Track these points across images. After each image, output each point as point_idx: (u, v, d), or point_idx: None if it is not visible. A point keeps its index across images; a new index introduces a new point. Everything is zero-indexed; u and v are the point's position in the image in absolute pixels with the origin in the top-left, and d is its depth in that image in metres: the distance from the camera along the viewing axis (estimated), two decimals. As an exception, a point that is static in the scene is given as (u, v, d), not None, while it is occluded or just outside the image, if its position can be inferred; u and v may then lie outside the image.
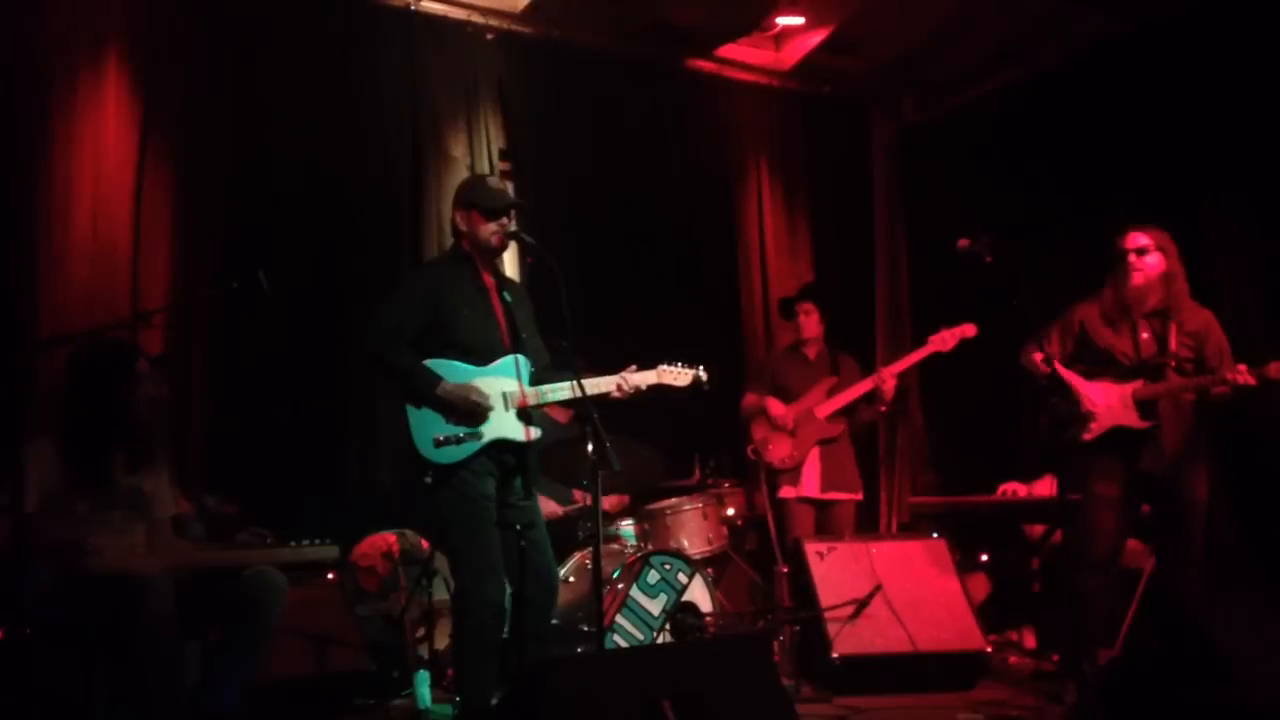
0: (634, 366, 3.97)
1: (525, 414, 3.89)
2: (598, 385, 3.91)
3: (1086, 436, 4.44)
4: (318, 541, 3.69)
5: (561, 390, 3.86)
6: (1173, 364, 4.35)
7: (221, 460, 5.21)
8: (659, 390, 4.02)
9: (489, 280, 4.00)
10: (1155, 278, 4.40)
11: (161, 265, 5.27)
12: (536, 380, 3.91)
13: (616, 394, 3.93)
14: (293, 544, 3.70)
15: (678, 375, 4.02)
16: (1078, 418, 4.46)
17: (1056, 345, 4.62)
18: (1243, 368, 4.16)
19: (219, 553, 3.78)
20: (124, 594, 3.32)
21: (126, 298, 5.09)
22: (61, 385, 3.68)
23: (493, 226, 3.92)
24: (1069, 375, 4.50)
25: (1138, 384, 4.37)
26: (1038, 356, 4.46)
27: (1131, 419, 4.36)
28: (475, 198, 3.96)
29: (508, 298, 4.00)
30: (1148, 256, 4.41)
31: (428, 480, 3.76)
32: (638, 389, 3.95)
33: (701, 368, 4.06)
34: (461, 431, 3.77)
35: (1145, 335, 4.43)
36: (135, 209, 5.20)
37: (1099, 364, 4.51)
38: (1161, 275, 4.40)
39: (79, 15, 5.13)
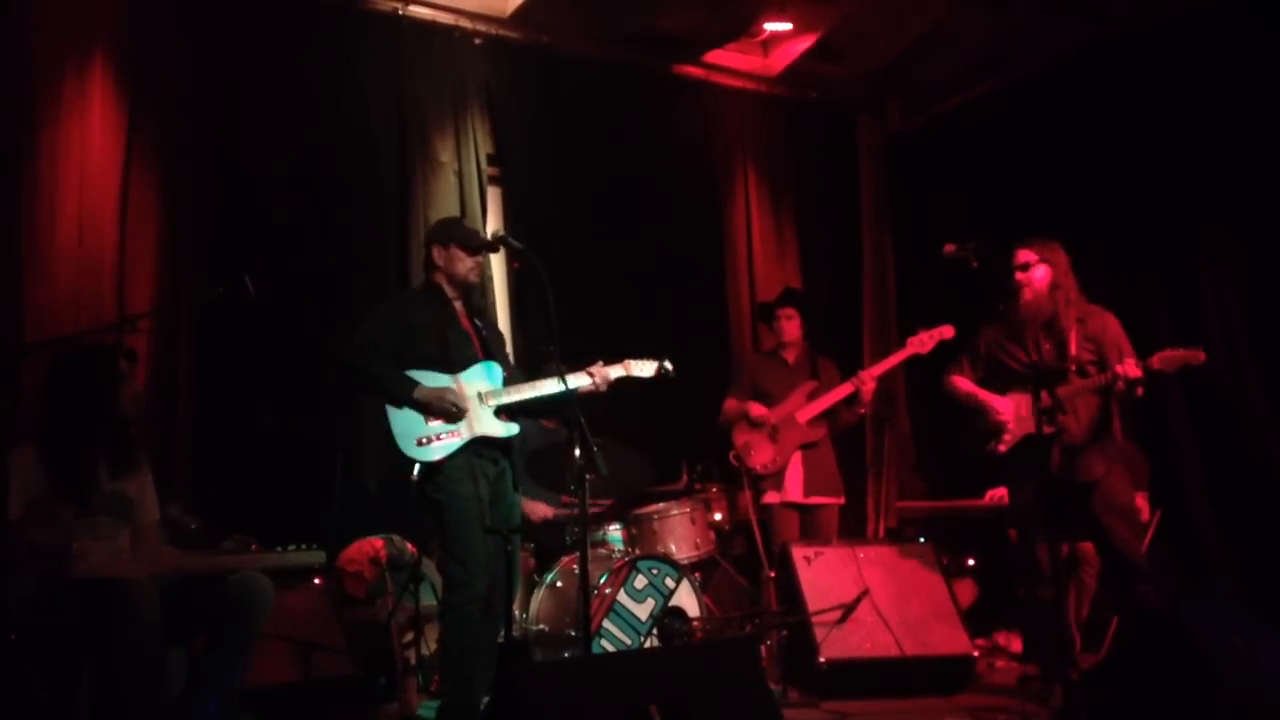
0: (600, 362, 4.19)
1: (499, 412, 4.04)
2: (574, 379, 4.05)
3: (1001, 449, 4.58)
4: (304, 547, 3.68)
5: (537, 387, 4.05)
6: (1073, 368, 4.44)
7: (207, 465, 5.20)
8: (628, 381, 4.26)
9: (460, 308, 4.21)
10: (1044, 291, 4.53)
11: (147, 269, 5.25)
12: (555, 370, 4.05)
13: (589, 387, 4.12)
14: (279, 549, 3.69)
15: (644, 367, 4.30)
16: (992, 431, 4.60)
17: (968, 369, 4.79)
18: (1130, 361, 4.26)
19: (204, 558, 3.77)
20: (108, 600, 3.30)
21: (112, 302, 5.07)
22: (43, 391, 3.66)
23: (470, 263, 4.15)
24: (980, 392, 4.67)
25: (1042, 392, 4.42)
26: (951, 378, 4.73)
27: (1032, 426, 4.40)
28: (454, 234, 4.21)
29: (478, 323, 4.23)
30: (1034, 270, 4.55)
31: (414, 478, 3.85)
32: (607, 379, 4.17)
33: (666, 360, 4.34)
34: (442, 432, 3.91)
35: (1046, 346, 4.54)
36: (121, 213, 5.18)
37: (1007, 379, 4.62)
38: (1049, 287, 4.52)
39: (65, 19, 5.12)
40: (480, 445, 3.98)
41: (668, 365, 4.36)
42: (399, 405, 3.92)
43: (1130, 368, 4.24)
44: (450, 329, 4.10)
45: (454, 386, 3.98)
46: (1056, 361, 4.48)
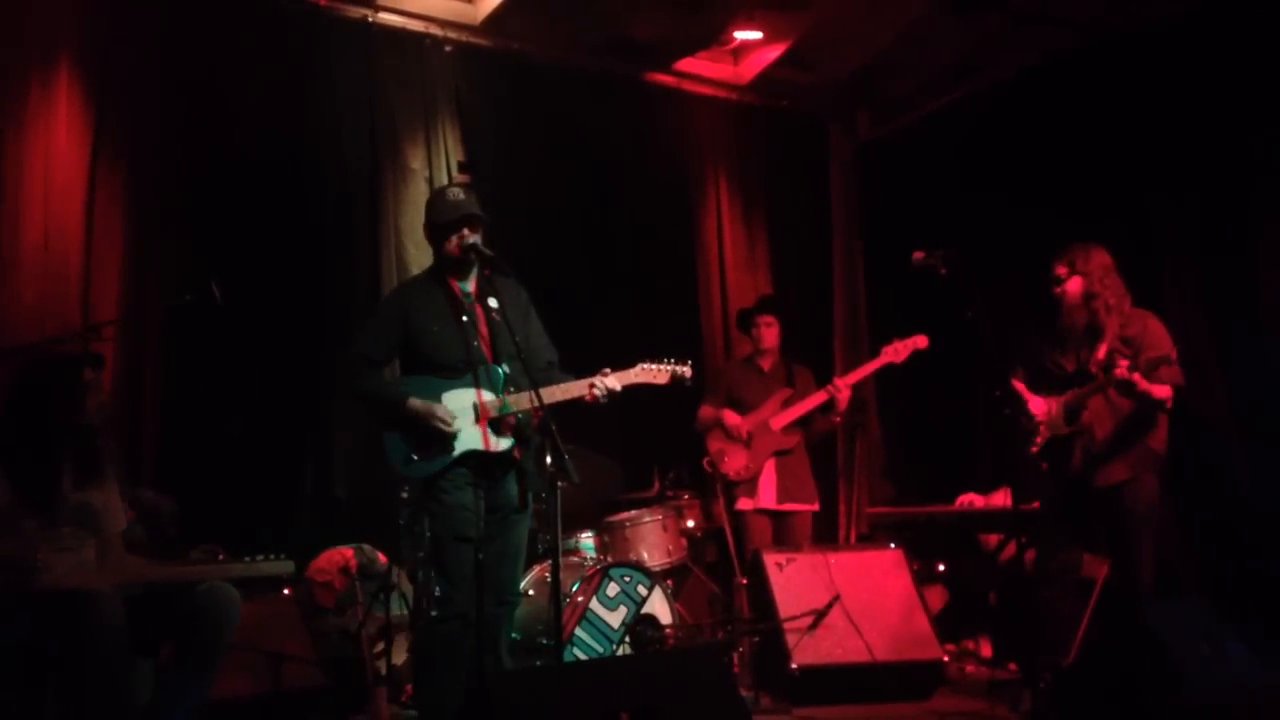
0: (607, 370, 3.91)
1: (497, 425, 3.84)
2: (568, 390, 3.86)
3: (1033, 450, 4.59)
4: (273, 556, 3.63)
5: (538, 397, 3.72)
6: (1098, 373, 4.44)
7: (174, 474, 5.13)
8: (639, 389, 3.95)
9: (470, 289, 3.97)
10: (1078, 301, 4.54)
11: (113, 277, 5.20)
12: (532, 381, 3.73)
13: (588, 398, 3.87)
14: (247, 559, 3.64)
15: (657, 373, 3.97)
16: (1029, 430, 4.61)
17: (1021, 373, 4.82)
18: (1125, 363, 4.22)
19: (171, 568, 3.72)
20: (74, 611, 3.26)
21: (78, 310, 5.02)
22: (6, 400, 3.61)
23: (452, 242, 3.90)
24: (1022, 390, 4.70)
25: (1069, 394, 4.52)
26: (1012, 380, 4.72)
27: (1061, 427, 4.50)
28: (433, 214, 3.98)
29: (492, 304, 3.95)
30: (1066, 284, 4.58)
31: (404, 495, 3.74)
32: (612, 391, 3.88)
33: (690, 364, 4.02)
34: (433, 445, 3.77)
35: (1085, 353, 4.57)
36: (87, 220, 5.13)
37: (1052, 384, 4.66)
38: (1082, 296, 4.54)
39: (30, 24, 5.07)
40: (474, 460, 3.80)
41: (684, 371, 3.98)
42: (390, 424, 3.77)
43: (1122, 370, 4.21)
44: (450, 326, 3.87)
45: (445, 402, 3.78)
46: (1091, 365, 4.52)
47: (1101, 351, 4.46)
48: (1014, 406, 4.64)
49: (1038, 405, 4.64)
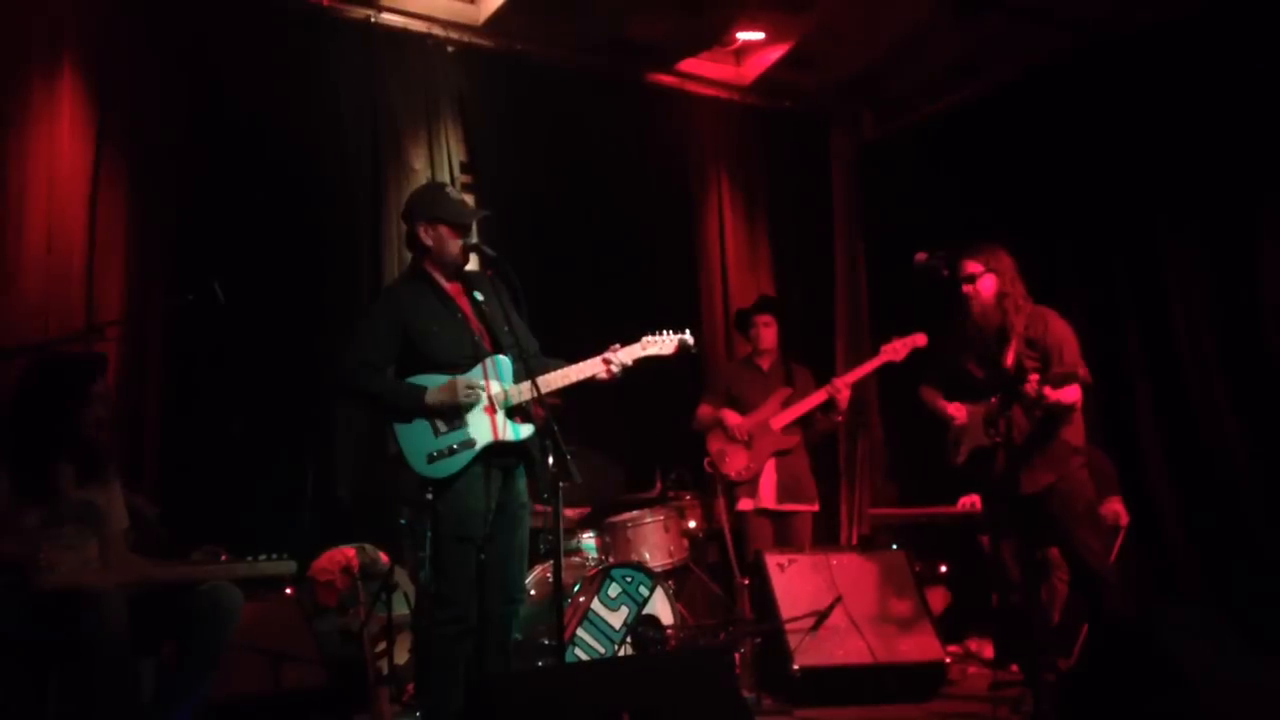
0: (617, 345, 3.88)
1: (513, 412, 3.80)
2: (581, 371, 3.82)
3: (958, 460, 4.58)
4: (275, 556, 3.63)
5: (549, 382, 3.73)
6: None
7: (176, 474, 5.16)
8: (647, 362, 3.92)
9: (455, 288, 3.93)
10: (991, 301, 4.44)
11: (116, 277, 5.21)
12: (527, 370, 3.73)
13: (604, 375, 3.84)
14: (249, 559, 3.64)
15: (663, 344, 3.94)
16: (951, 442, 4.61)
17: (935, 379, 4.79)
18: (1034, 379, 4.17)
19: (174, 568, 3.72)
20: (76, 610, 3.27)
21: (81, 310, 5.03)
22: (10, 398, 3.61)
23: (460, 243, 3.84)
24: (940, 402, 4.69)
25: (988, 403, 4.44)
26: (921, 388, 4.72)
27: (981, 438, 4.45)
28: (440, 211, 3.85)
29: (479, 296, 3.91)
30: (980, 282, 4.46)
31: (429, 496, 3.70)
32: (624, 366, 3.85)
33: (688, 331, 3.99)
34: (454, 443, 3.70)
35: (993, 357, 4.48)
36: (90, 220, 5.14)
37: (965, 391, 4.60)
38: (996, 296, 4.44)
39: (32, 24, 5.08)
40: (494, 453, 3.74)
41: (689, 340, 3.96)
42: (410, 419, 3.68)
43: (1031, 387, 4.15)
44: (449, 324, 3.81)
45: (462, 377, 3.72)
46: (1005, 373, 4.42)
47: (1009, 356, 4.35)
48: (939, 422, 4.67)
49: (957, 411, 4.60)
